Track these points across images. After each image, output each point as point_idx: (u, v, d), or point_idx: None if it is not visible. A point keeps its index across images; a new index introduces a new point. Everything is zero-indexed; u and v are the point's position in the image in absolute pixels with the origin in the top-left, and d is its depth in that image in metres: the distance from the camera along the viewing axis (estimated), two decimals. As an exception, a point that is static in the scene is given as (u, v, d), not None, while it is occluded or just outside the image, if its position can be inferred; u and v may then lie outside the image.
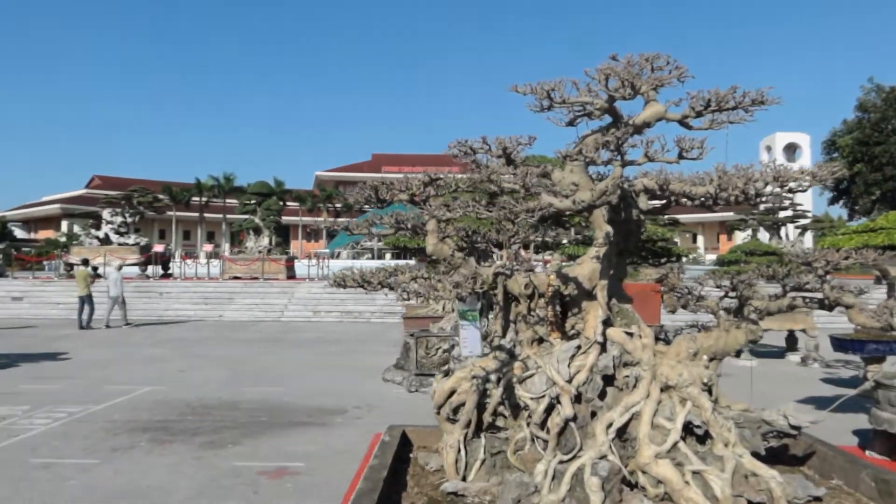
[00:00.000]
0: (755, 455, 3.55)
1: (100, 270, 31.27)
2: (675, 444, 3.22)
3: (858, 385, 12.64)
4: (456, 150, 3.62)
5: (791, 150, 44.63)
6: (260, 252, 33.00)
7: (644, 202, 3.67)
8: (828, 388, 13.26)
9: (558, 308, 3.74)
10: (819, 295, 3.79)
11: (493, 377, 3.50)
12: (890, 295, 15.58)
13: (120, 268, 24.26)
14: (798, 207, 38.69)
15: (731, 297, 3.96)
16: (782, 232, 39.28)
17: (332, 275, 3.78)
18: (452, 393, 3.56)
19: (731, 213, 52.16)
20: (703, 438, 3.39)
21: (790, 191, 2.85)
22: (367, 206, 3.78)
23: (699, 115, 3.43)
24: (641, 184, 3.44)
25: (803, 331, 16.29)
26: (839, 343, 11.97)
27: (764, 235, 41.34)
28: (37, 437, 8.83)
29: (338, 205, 73.24)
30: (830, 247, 8.24)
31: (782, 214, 38.41)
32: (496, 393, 3.49)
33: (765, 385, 13.28)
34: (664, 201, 3.54)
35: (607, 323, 3.65)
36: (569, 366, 3.44)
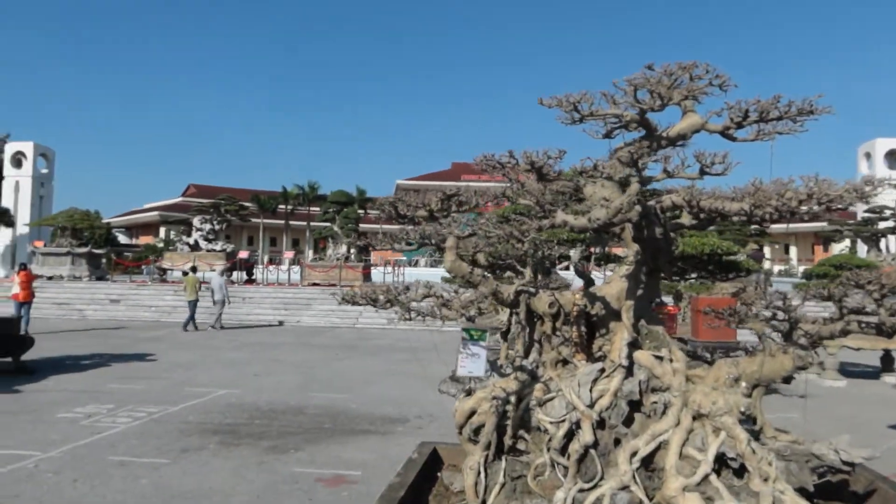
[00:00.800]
0: (802, 492, 3.30)
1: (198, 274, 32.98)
2: (705, 477, 3.04)
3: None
4: (483, 165, 3.58)
5: (893, 157, 41.73)
6: (338, 259, 33.82)
7: (686, 219, 3.49)
8: (909, 408, 12.30)
9: (584, 329, 3.62)
10: (877, 319, 3.50)
11: (513, 399, 3.43)
12: None
13: (223, 273, 25.65)
14: (900, 217, 36.06)
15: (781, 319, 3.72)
16: (882, 244, 36.72)
17: (342, 292, 3.80)
18: (473, 413, 3.51)
19: (825, 224, 49.25)
20: (741, 472, 3.18)
21: (835, 209, 2.64)
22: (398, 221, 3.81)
23: (740, 126, 3.24)
24: (670, 200, 3.28)
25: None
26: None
27: (864, 247, 38.78)
28: (117, 435, 9.35)
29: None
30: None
31: (882, 225, 35.90)
32: (515, 416, 3.42)
33: (852, 408, 12.45)
34: (701, 218, 3.35)
35: (634, 345, 3.50)
36: (591, 390, 3.32)
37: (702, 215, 3.19)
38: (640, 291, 3.67)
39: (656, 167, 3.43)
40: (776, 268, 58.78)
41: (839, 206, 2.62)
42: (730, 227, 38.24)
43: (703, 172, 3.29)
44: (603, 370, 3.47)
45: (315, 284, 32.80)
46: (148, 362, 16.30)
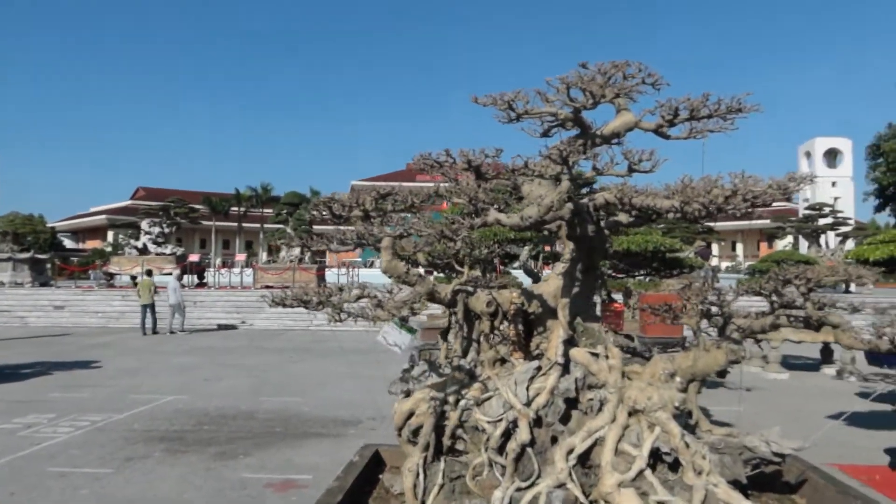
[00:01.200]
0: (736, 484, 3.39)
1: (138, 279, 32.09)
2: (640, 473, 3.09)
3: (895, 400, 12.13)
4: (421, 164, 3.57)
5: (832, 155, 43.32)
6: (291, 261, 33.39)
7: (623, 217, 3.55)
8: (861, 402, 12.76)
9: (521, 327, 3.64)
10: (804, 313, 3.60)
11: (451, 399, 3.42)
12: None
13: (179, 277, 25.38)
14: (839, 214, 37.50)
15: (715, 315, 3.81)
16: (822, 240, 38.12)
17: (271, 294, 3.75)
18: (412, 415, 3.50)
19: (768, 221, 50.86)
20: (676, 466, 3.25)
21: (762, 204, 2.71)
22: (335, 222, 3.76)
23: (672, 124, 3.30)
24: (602, 197, 3.33)
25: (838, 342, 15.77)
26: (873, 356, 11.56)
27: (805, 243, 40.19)
28: (57, 445, 9.04)
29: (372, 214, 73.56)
30: (854, 258, 7.92)
31: (822, 222, 37.28)
32: (454, 416, 3.42)
33: (795, 400, 12.86)
34: (636, 216, 3.40)
35: (571, 343, 3.54)
36: (528, 388, 3.34)
37: (633, 212, 3.23)
38: (576, 289, 3.71)
39: (589, 166, 3.47)
40: (724, 264, 60.41)
41: (764, 203, 2.70)
42: (678, 226, 39.21)
43: (631, 170, 3.34)
44: (540, 368, 3.49)
45: (268, 287, 32.31)
46: (93, 369, 15.80)
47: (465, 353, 3.68)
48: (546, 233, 3.58)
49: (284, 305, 3.56)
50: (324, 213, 3.66)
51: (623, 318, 10.34)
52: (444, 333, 4.04)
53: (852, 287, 32.48)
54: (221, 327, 26.43)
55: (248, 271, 34.77)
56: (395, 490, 3.52)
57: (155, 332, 23.54)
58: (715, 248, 63.40)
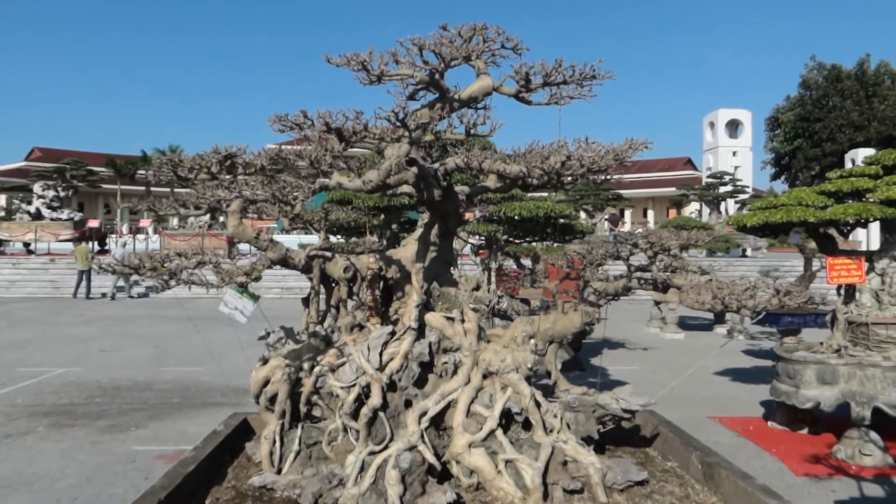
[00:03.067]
0: (589, 440, 3.54)
1: (31, 246, 30.19)
2: (491, 433, 3.18)
3: (775, 357, 13.04)
4: (278, 126, 3.46)
5: (734, 126, 45.38)
6: (200, 227, 32.21)
7: (493, 182, 3.57)
8: (747, 359, 13.65)
9: (378, 292, 3.65)
10: (660, 274, 3.78)
11: (306, 366, 3.40)
12: (806, 269, 16.04)
13: (125, 244, 25.34)
14: (738, 183, 39.48)
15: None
16: (722, 207, 40.13)
17: (100, 261, 3.58)
18: (268, 382, 3.46)
19: (674, 189, 52.97)
20: (529, 425, 3.36)
21: (600, 170, 2.79)
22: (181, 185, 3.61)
23: (529, 90, 3.33)
24: (453, 162, 3.34)
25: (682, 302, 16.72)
26: (756, 315, 12.32)
27: (707, 210, 42.20)
28: (-72, 424, 8.47)
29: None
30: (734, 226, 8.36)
31: (722, 190, 39.17)
32: (308, 382, 3.40)
33: (687, 357, 13.58)
34: (505, 182, 3.43)
35: (428, 307, 3.57)
36: (381, 353, 3.36)
37: (481, 177, 3.26)
38: (433, 254, 3.73)
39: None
40: (637, 230, 62.68)
41: (602, 169, 2.76)
42: (592, 192, 40.28)
43: (468, 134, 3.36)
44: (394, 333, 3.51)
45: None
46: (-24, 343, 14.83)
47: (322, 320, 3.65)
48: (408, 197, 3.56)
49: (114, 272, 3.39)
50: (168, 175, 3.49)
51: (520, 282, 10.59)
52: (306, 300, 3.98)
53: (748, 251, 34.49)
54: (122, 297, 25.29)
55: (155, 237, 33.31)
56: (256, 458, 3.48)
57: (89, 297, 23.86)
58: (628, 214, 65.56)
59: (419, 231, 3.64)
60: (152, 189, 77.04)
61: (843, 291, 8.50)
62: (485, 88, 3.40)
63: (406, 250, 3.64)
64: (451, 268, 4.64)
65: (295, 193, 3.28)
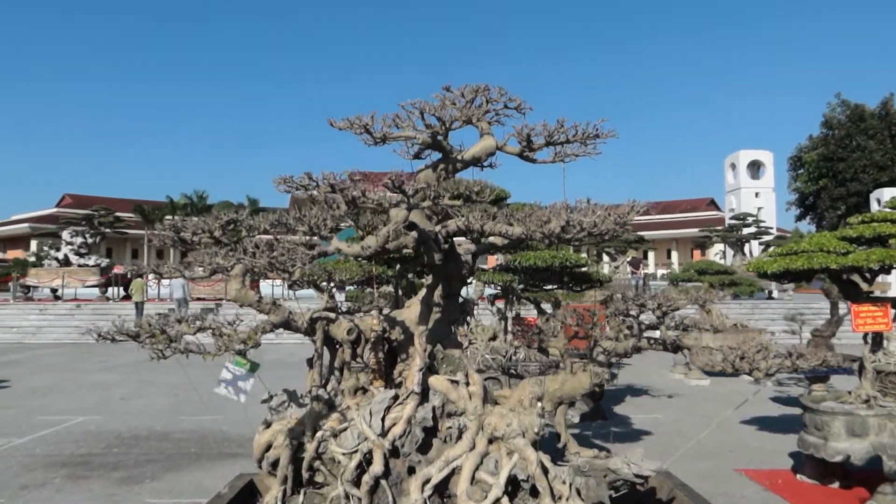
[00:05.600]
0: (601, 505, 3.44)
1: (59, 292, 30.70)
2: (497, 501, 3.09)
3: (802, 407, 12.66)
4: (283, 188, 3.52)
5: (755, 166, 45.09)
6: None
7: (500, 240, 3.56)
8: (775, 406, 13.26)
9: (381, 354, 3.62)
10: (668, 335, 3.71)
11: (308, 430, 3.36)
12: (833, 313, 15.68)
13: (183, 275, 27.11)
14: (762, 224, 39.05)
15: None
16: (746, 248, 39.65)
17: (95, 328, 3.60)
18: (270, 446, 3.43)
19: (697, 230, 52.55)
20: (537, 492, 3.27)
21: (602, 234, 2.77)
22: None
23: (532, 149, 3.34)
24: (454, 225, 3.34)
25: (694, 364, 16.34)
26: (769, 377, 12.04)
27: (731, 252, 41.71)
28: (-52, 474, 8.51)
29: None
30: (754, 267, 8.24)
31: (746, 231, 38.75)
32: (311, 447, 3.36)
33: (713, 405, 13.25)
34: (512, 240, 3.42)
35: (431, 370, 3.53)
36: (384, 418, 3.32)
37: (483, 240, 3.26)
38: (437, 315, 3.70)
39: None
40: (659, 272, 62.08)
41: (604, 232, 2.75)
42: (613, 238, 40.00)
43: (468, 199, 3.37)
44: (397, 397, 3.47)
45: (201, 299, 31.40)
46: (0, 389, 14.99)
47: (325, 383, 3.62)
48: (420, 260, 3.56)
49: (114, 340, 3.41)
50: (172, 239, 3.55)
51: (543, 335, 10.45)
52: (310, 361, 3.96)
53: (774, 293, 33.89)
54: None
55: (181, 282, 33.66)
56: (259, 523, 3.43)
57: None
58: (651, 256, 65.08)
59: (423, 292, 3.63)
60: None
61: (870, 339, 8.30)
62: (488, 149, 3.43)
63: (410, 311, 3.63)
64: (468, 317, 4.62)
65: (293, 260, 3.31)
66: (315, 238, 3.45)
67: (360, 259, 2.92)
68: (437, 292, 3.62)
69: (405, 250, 3.30)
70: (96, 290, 31.70)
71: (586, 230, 2.64)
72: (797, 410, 12.10)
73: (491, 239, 3.59)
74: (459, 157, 3.40)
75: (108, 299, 31.52)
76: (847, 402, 7.72)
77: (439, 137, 3.26)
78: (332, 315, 3.54)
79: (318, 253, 3.06)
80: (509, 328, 10.27)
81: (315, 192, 3.48)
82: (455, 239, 3.43)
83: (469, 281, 4.12)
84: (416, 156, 3.34)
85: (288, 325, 3.31)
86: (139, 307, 26.73)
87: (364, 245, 2.89)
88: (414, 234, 3.12)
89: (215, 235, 3.50)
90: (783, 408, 13.16)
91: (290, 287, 3.91)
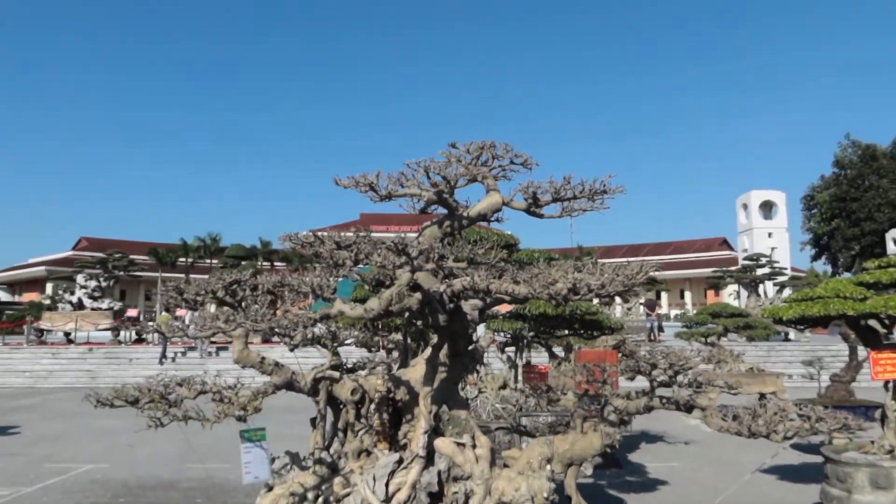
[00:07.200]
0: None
1: (72, 336, 30.79)
2: None
3: (823, 457, 12.32)
4: (288, 245, 3.51)
5: (767, 207, 45.01)
6: (236, 315, 32.51)
7: (507, 296, 3.52)
8: (794, 454, 12.90)
9: (386, 415, 3.54)
10: (682, 394, 3.61)
11: (310, 496, 3.28)
12: (851, 358, 15.39)
13: (187, 335, 27.74)
14: (775, 264, 38.76)
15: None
16: (761, 289, 39.24)
17: (94, 394, 3.56)
18: None
19: (710, 270, 52.19)
20: (547, 558, 3.16)
21: (608, 295, 2.73)
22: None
23: (538, 205, 3.33)
24: (460, 284, 3.31)
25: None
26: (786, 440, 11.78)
27: (745, 293, 41.28)
28: (-49, 526, 8.42)
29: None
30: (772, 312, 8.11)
31: (759, 272, 38.43)
32: None
33: (730, 451, 12.91)
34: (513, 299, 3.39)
35: (436, 432, 3.45)
36: (388, 483, 3.23)
37: (488, 298, 3.22)
38: (443, 375, 3.64)
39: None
40: (672, 312, 61.49)
41: (608, 294, 2.71)
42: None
43: (471, 262, 3.34)
44: (401, 460, 3.38)
45: (213, 343, 31.30)
46: (9, 436, 14.93)
47: (328, 445, 3.55)
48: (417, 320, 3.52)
49: (112, 406, 3.37)
50: (176, 300, 3.53)
51: (558, 389, 10.36)
52: (313, 421, 3.89)
53: (791, 335, 33.38)
54: (158, 385, 25.45)
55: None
56: (261, 590, 3.32)
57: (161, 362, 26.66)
58: (664, 296, 64.59)
59: (428, 351, 3.58)
60: (193, 277, 78.74)
61: (891, 386, 8.09)
62: (494, 205, 3.42)
63: (415, 371, 3.57)
64: (479, 366, 4.53)
65: (294, 324, 3.28)
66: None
67: (366, 320, 2.89)
68: (443, 352, 3.57)
69: (409, 311, 3.27)
70: (108, 334, 31.78)
71: (594, 291, 2.60)
72: (818, 458, 11.78)
73: (497, 296, 3.55)
74: (465, 214, 3.39)
75: (119, 342, 31.56)
76: (870, 453, 7.50)
77: (445, 195, 3.26)
78: (336, 374, 3.50)
79: (321, 316, 3.02)
80: (519, 376, 10.15)
81: (321, 250, 3.47)
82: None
83: (475, 339, 4.07)
84: (423, 211, 3.34)
85: (291, 386, 3.26)
86: (164, 342, 27.67)
87: (367, 308, 2.86)
88: (418, 295, 3.09)
89: (218, 296, 3.49)
90: (803, 455, 12.80)
91: (291, 350, 3.88)
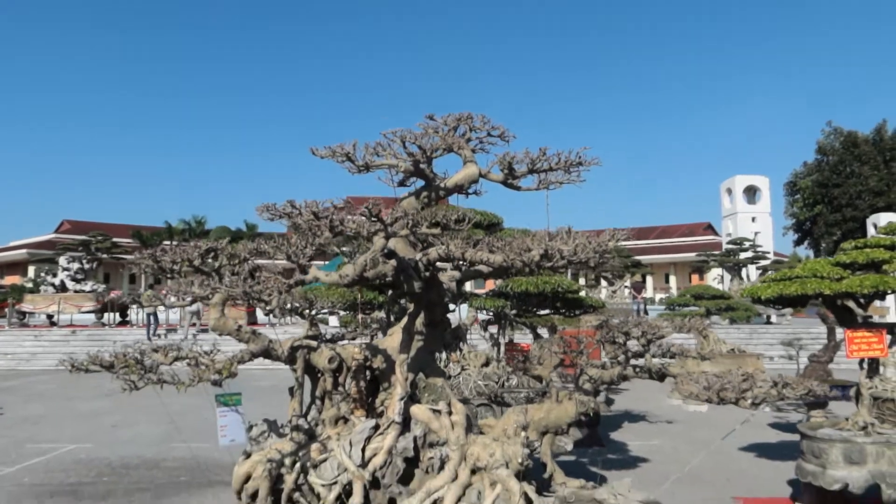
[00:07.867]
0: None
1: (55, 318, 30.54)
2: None
3: (799, 434, 12.57)
4: (266, 216, 3.52)
5: (751, 192, 45.38)
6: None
7: (484, 268, 3.55)
8: (774, 433, 13.14)
9: (363, 383, 3.58)
10: (654, 362, 3.68)
11: (287, 461, 3.31)
12: (830, 339, 15.63)
13: (164, 304, 28.74)
14: (758, 248, 39.17)
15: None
16: (744, 273, 39.68)
17: (70, 359, 3.57)
18: (249, 478, 3.37)
19: (695, 254, 52.62)
20: (522, 522, 3.22)
21: (581, 262, 2.77)
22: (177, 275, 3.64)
23: (515, 177, 3.35)
24: (435, 252, 3.33)
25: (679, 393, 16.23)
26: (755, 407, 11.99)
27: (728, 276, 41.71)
28: (-69, 505, 8.40)
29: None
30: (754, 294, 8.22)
31: (743, 256, 38.83)
32: (290, 479, 3.30)
33: (711, 431, 13.11)
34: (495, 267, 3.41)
35: (413, 399, 3.49)
36: (364, 448, 3.27)
37: (464, 266, 3.25)
38: (419, 343, 3.67)
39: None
40: (658, 296, 61.98)
41: (584, 261, 2.74)
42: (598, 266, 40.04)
43: (445, 228, 3.36)
44: (378, 427, 3.42)
45: (193, 325, 31.20)
46: (-9, 418, 14.83)
47: (305, 412, 3.57)
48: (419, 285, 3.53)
49: (87, 371, 3.38)
50: (152, 268, 3.53)
51: (534, 362, 10.41)
52: (291, 390, 3.92)
53: (773, 318, 33.84)
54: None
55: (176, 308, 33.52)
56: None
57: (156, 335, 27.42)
58: (649, 280, 65.04)
59: (404, 320, 3.60)
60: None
61: (865, 365, 8.25)
62: (471, 177, 3.44)
63: (391, 340, 3.60)
64: (461, 343, 4.59)
65: (269, 289, 3.29)
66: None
67: (341, 287, 2.91)
68: (419, 320, 3.59)
69: (386, 279, 3.29)
70: (92, 316, 31.55)
71: (566, 258, 2.63)
72: (796, 437, 12.01)
73: (476, 266, 3.56)
74: (442, 185, 3.40)
75: (103, 325, 31.35)
76: (844, 429, 7.64)
77: (421, 165, 3.27)
78: (314, 343, 3.52)
79: (296, 282, 3.04)
80: (502, 354, 10.23)
81: (299, 220, 3.48)
82: (440, 266, 3.43)
83: (452, 309, 4.11)
84: (402, 183, 3.36)
85: (268, 353, 3.28)
86: (150, 318, 27.99)
87: (342, 274, 2.88)
88: (393, 262, 3.10)
89: (195, 264, 3.48)
90: (782, 434, 13.04)
91: (266, 315, 3.89)
